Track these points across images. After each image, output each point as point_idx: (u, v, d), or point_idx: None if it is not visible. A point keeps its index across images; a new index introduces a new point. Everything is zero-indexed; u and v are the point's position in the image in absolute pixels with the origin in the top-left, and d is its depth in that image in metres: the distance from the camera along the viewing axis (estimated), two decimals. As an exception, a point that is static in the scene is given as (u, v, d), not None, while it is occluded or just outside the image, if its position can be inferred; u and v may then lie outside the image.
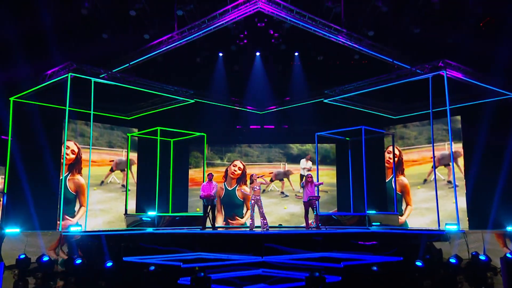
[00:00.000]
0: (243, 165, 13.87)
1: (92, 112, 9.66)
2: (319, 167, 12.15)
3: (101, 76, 9.96)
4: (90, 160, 9.77)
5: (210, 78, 12.83)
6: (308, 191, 9.24)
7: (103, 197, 12.25)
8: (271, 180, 13.80)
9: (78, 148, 11.61)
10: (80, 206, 11.37)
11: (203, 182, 10.02)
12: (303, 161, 13.96)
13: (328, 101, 12.06)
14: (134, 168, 12.88)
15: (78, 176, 11.49)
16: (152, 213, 10.66)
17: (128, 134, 12.14)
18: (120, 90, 10.84)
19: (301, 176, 13.87)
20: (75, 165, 11.49)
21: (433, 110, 9.63)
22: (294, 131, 14.07)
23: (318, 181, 10.45)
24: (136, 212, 12.20)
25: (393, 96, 12.14)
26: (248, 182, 9.65)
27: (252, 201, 9.14)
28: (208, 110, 13.27)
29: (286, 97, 13.34)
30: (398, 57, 10.47)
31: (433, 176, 9.59)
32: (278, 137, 14.18)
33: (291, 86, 13.05)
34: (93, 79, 9.69)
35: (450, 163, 9.77)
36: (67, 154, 11.14)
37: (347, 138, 11.92)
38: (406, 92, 11.57)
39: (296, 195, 13.70)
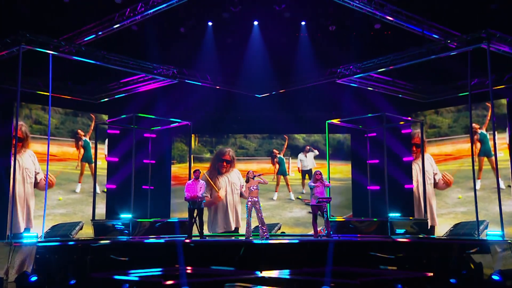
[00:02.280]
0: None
1: (50, 94, 9.58)
2: (331, 162, 12.12)
3: (61, 49, 9.89)
4: (48, 153, 9.63)
5: (197, 53, 12.70)
6: (317, 191, 9.19)
7: (64, 199, 12.13)
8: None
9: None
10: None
11: (188, 180, 9.97)
12: (301, 155, 14.01)
13: (342, 81, 11.96)
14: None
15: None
16: (126, 216, 10.57)
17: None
18: (86, 68, 10.76)
19: (303, 172, 13.84)
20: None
21: (473, 92, 9.55)
22: (300, 119, 14.06)
23: (328, 181, 10.31)
24: (106, 218, 12.18)
25: (423, 76, 12.08)
26: (244, 180, 9.57)
27: (249, 204, 9.13)
28: (194, 93, 13.16)
29: (290, 76, 13.26)
30: (430, 27, 10.31)
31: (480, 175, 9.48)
32: (280, 125, 14.15)
33: (297, 63, 12.94)
34: (51, 53, 9.60)
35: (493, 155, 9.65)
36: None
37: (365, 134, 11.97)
38: (439, 70, 11.47)
39: (298, 197, 13.64)
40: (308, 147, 13.93)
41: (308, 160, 13.89)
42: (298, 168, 13.97)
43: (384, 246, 8.11)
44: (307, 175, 13.82)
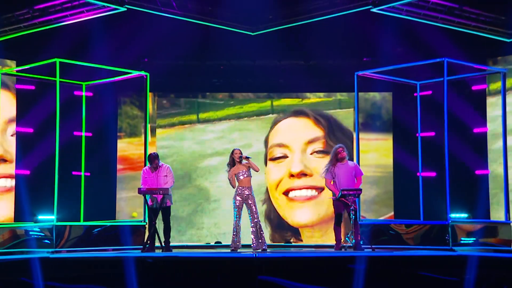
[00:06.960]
0: None
1: None
2: (361, 135, 12.14)
3: None
4: None
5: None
6: (340, 179, 9.31)
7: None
8: None
9: None
10: None
11: (145, 166, 10.13)
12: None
13: (379, 10, 11.89)
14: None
15: None
16: (45, 217, 10.53)
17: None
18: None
19: None
20: None
21: None
22: (315, 69, 14.06)
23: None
24: (15, 220, 12.26)
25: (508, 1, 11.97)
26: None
27: (237, 200, 9.31)
28: (154, 28, 13.17)
29: (299, 3, 13.09)
30: None
31: None
32: (285, 80, 14.31)
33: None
34: None
35: None
36: None
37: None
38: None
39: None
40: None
41: None
42: None
43: (443, 262, 8.20)
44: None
